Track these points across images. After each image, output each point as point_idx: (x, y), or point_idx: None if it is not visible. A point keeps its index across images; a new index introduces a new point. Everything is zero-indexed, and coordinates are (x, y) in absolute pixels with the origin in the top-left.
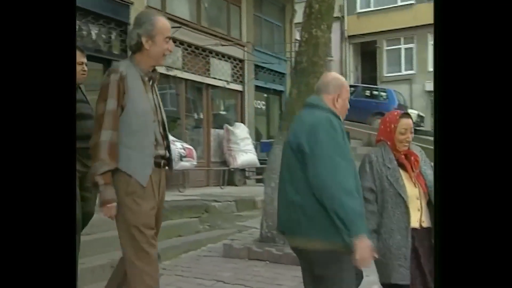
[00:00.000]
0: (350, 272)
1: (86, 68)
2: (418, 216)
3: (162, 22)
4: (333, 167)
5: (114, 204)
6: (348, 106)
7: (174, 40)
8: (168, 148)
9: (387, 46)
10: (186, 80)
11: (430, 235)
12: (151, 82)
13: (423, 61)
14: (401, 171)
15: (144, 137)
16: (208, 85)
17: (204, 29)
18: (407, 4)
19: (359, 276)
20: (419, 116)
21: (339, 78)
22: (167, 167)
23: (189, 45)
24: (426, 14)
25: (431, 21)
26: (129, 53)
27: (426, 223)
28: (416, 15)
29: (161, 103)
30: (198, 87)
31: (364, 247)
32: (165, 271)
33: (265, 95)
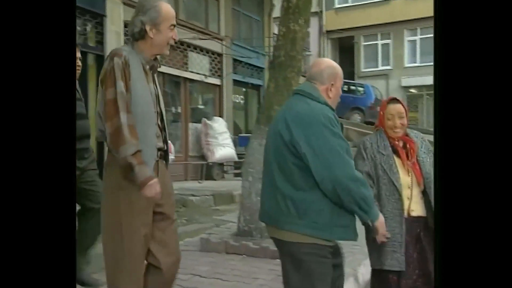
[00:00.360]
0: (327, 265)
1: (80, 63)
2: (407, 205)
3: (167, 9)
4: (345, 165)
5: (156, 180)
6: (341, 93)
7: None
8: (165, 140)
9: (365, 41)
10: (164, 73)
11: (419, 224)
12: (151, 72)
13: (399, 57)
14: (396, 158)
15: (148, 128)
16: (186, 79)
17: (182, 22)
18: (383, 0)
19: (340, 261)
20: None
21: (333, 66)
22: (164, 161)
23: None
24: (402, 10)
25: (407, 17)
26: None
27: (415, 213)
28: (393, 11)
29: (160, 94)
30: (176, 81)
31: (382, 224)
32: None
33: (244, 89)
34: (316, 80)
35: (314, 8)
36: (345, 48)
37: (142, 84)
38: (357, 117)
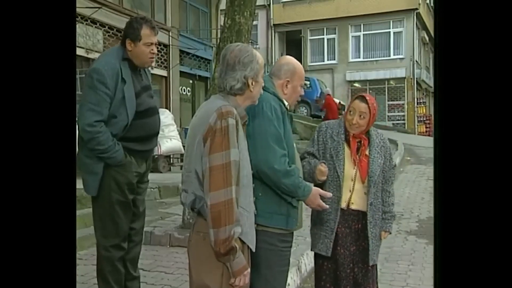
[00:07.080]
0: (276, 253)
1: (155, 50)
2: (348, 196)
3: (261, 57)
4: (269, 152)
5: (249, 269)
6: (302, 93)
7: (94, 22)
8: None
9: (311, 36)
10: None
11: (358, 218)
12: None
13: (344, 52)
14: (346, 148)
15: (250, 191)
16: None
17: (126, 11)
18: None
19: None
20: (340, 104)
21: (292, 63)
22: None
23: (111, 27)
24: (346, 7)
25: (351, 13)
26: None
27: (355, 206)
28: (338, 7)
29: None
30: None
31: (311, 200)
32: (82, 261)
33: (191, 81)
34: (273, 75)
35: (261, 1)
36: (292, 42)
37: (245, 143)
38: (303, 111)
